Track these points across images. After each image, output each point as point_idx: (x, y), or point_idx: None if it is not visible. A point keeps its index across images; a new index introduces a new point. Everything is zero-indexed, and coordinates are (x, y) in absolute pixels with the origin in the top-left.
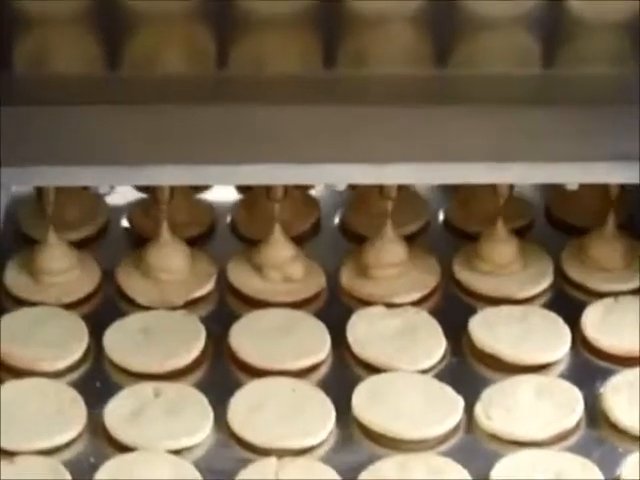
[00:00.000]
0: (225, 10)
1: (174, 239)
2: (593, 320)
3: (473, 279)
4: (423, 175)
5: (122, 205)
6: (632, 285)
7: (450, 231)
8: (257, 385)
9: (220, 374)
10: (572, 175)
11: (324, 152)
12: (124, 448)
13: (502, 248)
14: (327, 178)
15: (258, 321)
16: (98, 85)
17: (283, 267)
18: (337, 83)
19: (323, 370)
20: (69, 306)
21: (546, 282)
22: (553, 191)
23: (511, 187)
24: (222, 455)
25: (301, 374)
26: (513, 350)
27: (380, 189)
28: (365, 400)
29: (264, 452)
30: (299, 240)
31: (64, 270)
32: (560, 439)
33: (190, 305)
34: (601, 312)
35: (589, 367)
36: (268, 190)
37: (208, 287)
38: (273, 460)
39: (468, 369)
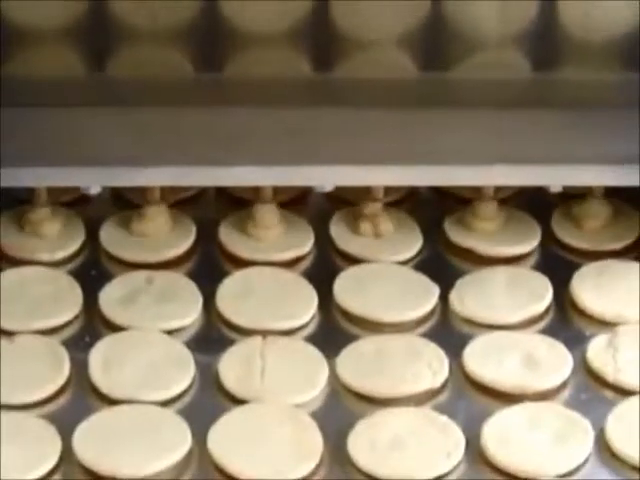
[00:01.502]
0: (215, 14)
1: None
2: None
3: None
4: (410, 177)
5: None
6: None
7: None
8: (244, 273)
9: (209, 265)
10: (558, 178)
11: (313, 153)
12: (118, 329)
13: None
14: (315, 180)
15: (246, 219)
16: (86, 87)
17: None
18: (326, 86)
19: (307, 262)
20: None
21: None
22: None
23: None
24: (210, 336)
25: (286, 265)
26: (486, 244)
27: (368, 191)
28: (346, 287)
29: (250, 334)
30: None
31: None
32: (530, 323)
33: (181, 204)
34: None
35: (559, 260)
36: (257, 191)
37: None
38: (258, 339)
39: (444, 261)
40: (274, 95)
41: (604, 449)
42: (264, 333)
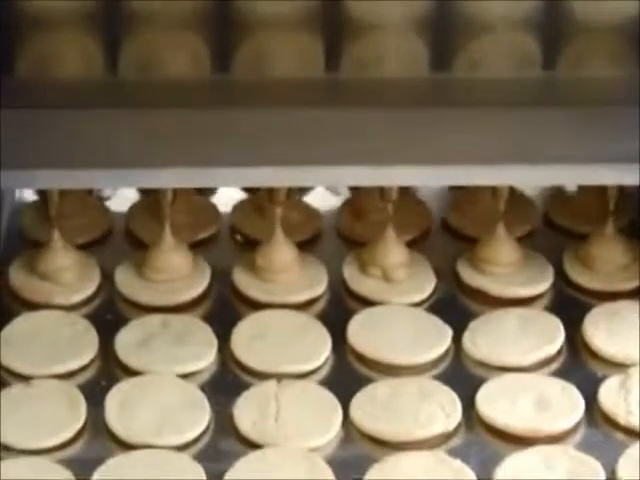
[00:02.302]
0: (225, 13)
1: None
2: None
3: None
4: (423, 177)
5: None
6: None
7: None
8: (258, 316)
9: (224, 308)
10: (572, 177)
11: (325, 154)
12: (133, 373)
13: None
14: (327, 180)
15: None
16: (99, 88)
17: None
18: (338, 86)
19: (321, 304)
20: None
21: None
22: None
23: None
24: (225, 379)
25: (300, 307)
26: (499, 285)
27: (381, 192)
28: (360, 329)
29: (264, 377)
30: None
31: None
32: (542, 365)
33: (196, 246)
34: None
35: (571, 301)
36: (270, 193)
37: (213, 229)
38: (273, 383)
39: (457, 303)
40: (285, 96)
41: None
42: (279, 376)
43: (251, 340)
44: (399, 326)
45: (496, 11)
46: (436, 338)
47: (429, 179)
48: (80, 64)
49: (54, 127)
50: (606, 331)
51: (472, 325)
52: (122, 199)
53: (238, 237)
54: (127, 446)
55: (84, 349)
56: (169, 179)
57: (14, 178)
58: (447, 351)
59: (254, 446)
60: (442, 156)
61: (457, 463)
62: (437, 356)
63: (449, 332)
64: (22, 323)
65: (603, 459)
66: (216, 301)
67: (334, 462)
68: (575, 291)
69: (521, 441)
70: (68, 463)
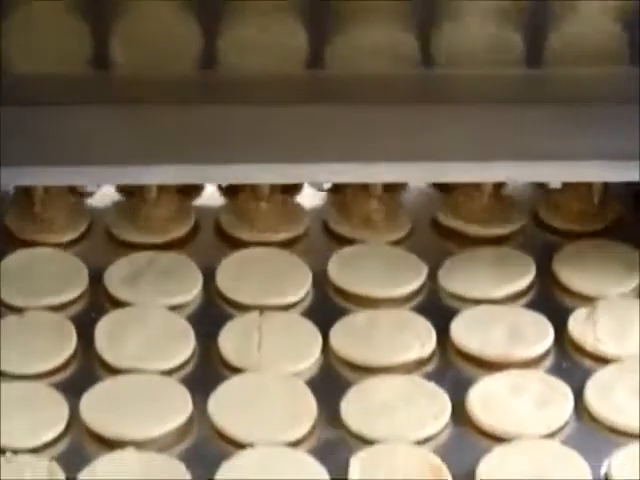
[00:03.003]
0: (212, 9)
1: None
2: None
3: None
4: (408, 174)
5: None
6: None
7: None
8: (242, 254)
9: (209, 247)
10: (558, 174)
11: (310, 151)
12: (122, 306)
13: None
14: (313, 177)
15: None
16: (86, 85)
17: None
18: (322, 83)
19: (303, 243)
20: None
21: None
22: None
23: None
24: (210, 312)
25: (282, 245)
26: (474, 226)
27: (365, 188)
28: (340, 265)
29: (248, 309)
30: None
31: None
32: (514, 298)
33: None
34: None
35: (542, 241)
36: (254, 189)
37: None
38: (256, 314)
39: (433, 243)
40: (269, 92)
41: (583, 412)
42: (261, 308)
43: (235, 275)
44: (377, 263)
45: (483, 6)
46: (412, 273)
47: (414, 176)
48: (67, 60)
49: (41, 124)
50: (575, 267)
51: (448, 262)
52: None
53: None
54: (115, 371)
55: (75, 283)
56: (155, 176)
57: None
58: (423, 285)
59: (237, 372)
60: (428, 153)
61: (431, 385)
62: (413, 290)
63: (425, 268)
64: (16, 259)
65: (572, 383)
66: (202, 240)
67: (314, 386)
68: (547, 232)
69: (493, 367)
70: (60, 387)
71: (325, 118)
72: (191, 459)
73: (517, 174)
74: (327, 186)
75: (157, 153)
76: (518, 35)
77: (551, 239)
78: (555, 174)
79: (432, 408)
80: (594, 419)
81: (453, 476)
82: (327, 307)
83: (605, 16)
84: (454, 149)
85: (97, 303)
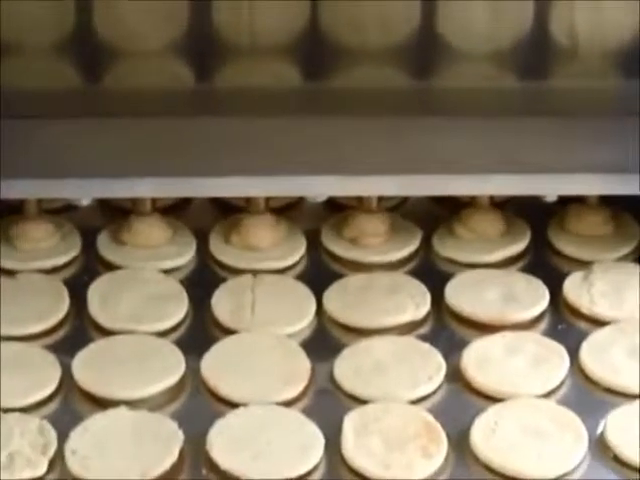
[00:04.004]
0: (206, 28)
1: None
2: None
3: None
4: (403, 187)
5: None
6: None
7: None
8: (236, 219)
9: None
10: (553, 187)
11: (305, 164)
12: (115, 268)
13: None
14: (305, 190)
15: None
16: (78, 98)
17: None
18: (318, 96)
19: (298, 210)
20: None
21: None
22: None
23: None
24: (203, 275)
25: (278, 211)
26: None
27: (360, 201)
28: (332, 232)
29: (242, 273)
30: None
31: None
32: (509, 263)
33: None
34: None
35: (537, 206)
36: (248, 202)
37: None
38: (249, 276)
39: (426, 208)
40: (265, 105)
41: (578, 373)
42: (255, 272)
43: (228, 241)
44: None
45: (483, 20)
46: (407, 238)
47: (409, 189)
48: (59, 74)
49: (31, 137)
50: (570, 232)
51: (442, 228)
52: None
53: None
54: (108, 333)
55: (68, 248)
56: (147, 189)
57: None
58: (418, 250)
59: (231, 333)
60: (423, 166)
61: (425, 346)
62: (408, 254)
63: (419, 233)
64: (11, 224)
65: (567, 345)
66: (196, 206)
67: (307, 347)
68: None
69: (488, 330)
70: (52, 348)
71: (319, 131)
72: (184, 418)
73: (514, 187)
74: (321, 199)
75: (149, 166)
76: (513, 49)
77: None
78: (552, 187)
79: (426, 368)
80: (589, 379)
81: (447, 435)
82: (321, 272)
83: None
84: (451, 162)
85: (90, 267)
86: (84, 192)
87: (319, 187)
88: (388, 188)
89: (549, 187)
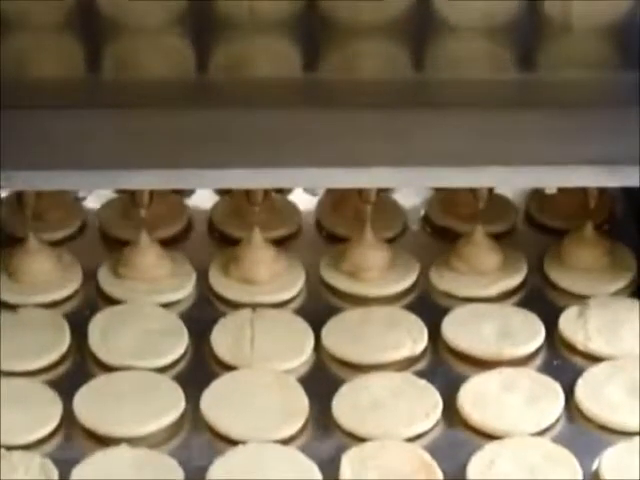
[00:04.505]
0: (206, 13)
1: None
2: None
3: None
4: (402, 179)
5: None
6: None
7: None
8: (233, 250)
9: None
10: (551, 179)
11: (303, 156)
12: (115, 303)
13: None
14: (305, 182)
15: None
16: (79, 88)
17: None
18: (316, 87)
19: (296, 243)
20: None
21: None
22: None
23: (490, 191)
24: (203, 310)
25: (275, 243)
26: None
27: (359, 193)
28: (330, 265)
29: (241, 307)
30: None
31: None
32: (506, 297)
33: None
34: None
35: (534, 239)
36: (248, 194)
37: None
38: (248, 311)
39: (424, 241)
40: (262, 97)
41: (574, 410)
42: (254, 306)
43: (227, 274)
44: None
45: (475, 11)
46: (405, 271)
47: (408, 181)
48: (59, 63)
49: (31, 127)
50: (566, 265)
51: (439, 260)
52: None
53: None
54: (108, 369)
55: (68, 281)
56: (147, 180)
57: None
58: (415, 284)
59: (230, 369)
60: (421, 158)
61: (422, 382)
62: (405, 288)
63: (417, 266)
64: (11, 256)
65: (563, 381)
66: (196, 238)
67: (306, 383)
68: (537, 230)
69: (484, 365)
70: (53, 384)
71: (318, 122)
72: (184, 456)
73: (512, 179)
74: (320, 191)
75: (149, 157)
76: (510, 39)
77: (542, 237)
78: (550, 179)
79: (423, 405)
80: (585, 417)
81: (444, 473)
82: (319, 305)
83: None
84: (449, 154)
85: (91, 300)
86: (84, 183)
87: (317, 179)
88: (385, 180)
89: (547, 179)
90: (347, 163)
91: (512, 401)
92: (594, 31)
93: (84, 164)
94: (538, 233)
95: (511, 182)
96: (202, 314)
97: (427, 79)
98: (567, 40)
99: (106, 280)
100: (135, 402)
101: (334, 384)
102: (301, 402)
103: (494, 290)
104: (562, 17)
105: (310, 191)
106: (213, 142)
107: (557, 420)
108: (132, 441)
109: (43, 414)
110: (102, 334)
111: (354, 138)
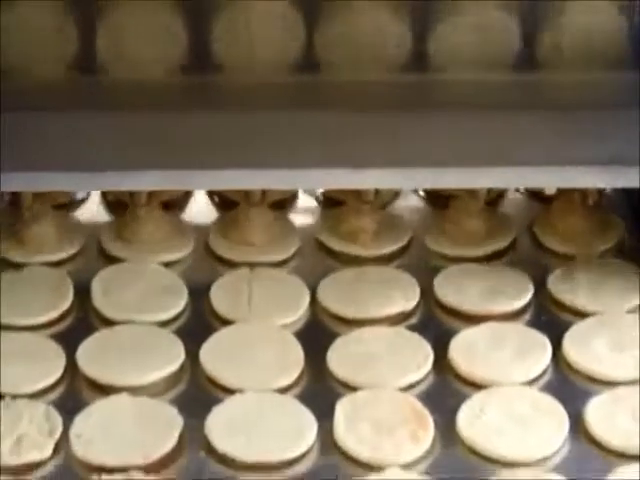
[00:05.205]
0: (203, 15)
1: None
2: None
3: None
4: (401, 180)
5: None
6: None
7: None
8: (234, 213)
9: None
10: (551, 180)
11: (302, 157)
12: (117, 261)
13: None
14: (305, 183)
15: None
16: (74, 90)
17: None
18: (313, 88)
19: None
20: None
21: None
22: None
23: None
24: (202, 268)
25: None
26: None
27: (358, 194)
28: (326, 227)
29: (238, 266)
30: None
31: None
32: (496, 257)
33: None
34: None
35: (525, 205)
36: (246, 195)
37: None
38: (246, 270)
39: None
40: (261, 98)
41: (561, 362)
42: (252, 265)
43: (226, 236)
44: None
45: (475, 12)
46: (398, 233)
47: (407, 182)
48: (54, 65)
49: (27, 129)
50: (555, 228)
51: (431, 223)
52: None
53: None
54: (111, 323)
55: (72, 241)
56: (145, 182)
57: None
58: (408, 245)
59: (228, 324)
60: (420, 159)
61: (414, 336)
62: (399, 248)
63: (410, 228)
64: (17, 219)
65: (550, 335)
66: (196, 201)
67: (302, 337)
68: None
69: (475, 320)
70: (57, 338)
71: (315, 124)
72: (183, 404)
73: (512, 179)
74: (318, 192)
75: (147, 158)
76: (511, 40)
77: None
78: (550, 179)
79: (415, 357)
80: (571, 368)
81: (435, 420)
82: (316, 265)
83: (600, 19)
84: (448, 155)
85: (94, 261)
86: (83, 185)
87: (314, 180)
88: (384, 180)
89: (547, 179)
90: (345, 164)
91: (501, 353)
92: (594, 33)
93: (79, 165)
94: (529, 200)
95: (511, 182)
96: (202, 273)
97: (426, 80)
98: (568, 41)
99: (108, 241)
100: (136, 354)
101: (329, 338)
102: (297, 354)
103: (484, 251)
104: (562, 18)
105: (310, 193)
106: (211, 143)
107: (544, 371)
108: (133, 390)
109: (48, 365)
110: (105, 290)
111: (352, 139)
